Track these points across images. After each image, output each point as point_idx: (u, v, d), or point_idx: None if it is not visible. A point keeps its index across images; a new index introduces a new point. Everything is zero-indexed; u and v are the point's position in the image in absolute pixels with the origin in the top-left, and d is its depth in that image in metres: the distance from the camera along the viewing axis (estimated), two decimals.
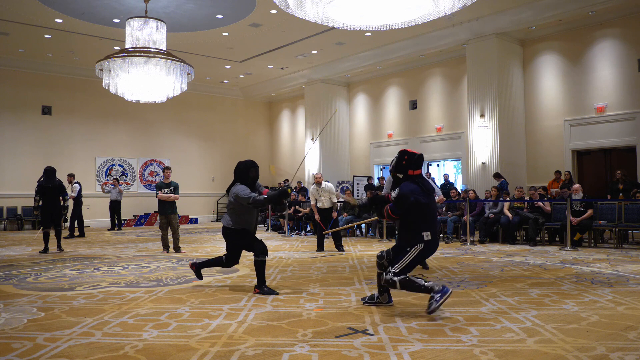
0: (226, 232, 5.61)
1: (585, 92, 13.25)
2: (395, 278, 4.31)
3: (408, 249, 4.43)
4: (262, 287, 5.31)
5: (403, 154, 4.59)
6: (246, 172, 5.56)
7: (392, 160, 4.68)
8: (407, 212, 4.44)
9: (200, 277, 5.90)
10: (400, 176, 4.57)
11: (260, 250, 5.39)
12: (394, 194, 4.58)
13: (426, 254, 4.50)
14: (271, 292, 5.26)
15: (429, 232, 4.43)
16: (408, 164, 4.53)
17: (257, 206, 5.42)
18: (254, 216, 5.64)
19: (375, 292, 4.79)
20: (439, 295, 4.18)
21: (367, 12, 8.20)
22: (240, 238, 5.55)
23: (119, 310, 4.54)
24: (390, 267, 4.41)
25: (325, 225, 9.58)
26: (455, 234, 11.36)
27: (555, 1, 12.40)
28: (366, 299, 4.76)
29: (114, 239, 12.61)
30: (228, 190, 5.67)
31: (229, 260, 5.71)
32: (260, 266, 5.36)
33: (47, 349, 3.41)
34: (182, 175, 19.16)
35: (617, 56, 12.75)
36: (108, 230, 15.76)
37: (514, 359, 3.14)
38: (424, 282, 4.29)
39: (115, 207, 15.55)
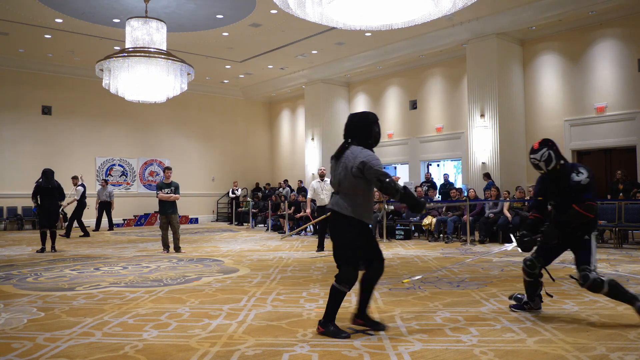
0: (340, 225, 3.77)
1: (585, 92, 13.24)
2: (604, 278, 3.84)
3: (587, 238, 3.97)
4: (327, 325, 3.69)
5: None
6: (369, 128, 3.84)
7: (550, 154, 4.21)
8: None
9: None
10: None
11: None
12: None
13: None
14: (339, 333, 3.63)
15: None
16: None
17: (389, 191, 3.64)
18: (372, 206, 3.95)
19: (520, 294, 4.45)
20: None
21: (367, 12, 8.20)
22: (359, 236, 3.74)
23: (119, 310, 4.55)
24: (586, 266, 3.90)
25: (324, 221, 9.23)
26: (455, 234, 11.36)
27: (555, 1, 12.39)
28: (513, 306, 4.36)
29: (114, 239, 12.61)
30: (338, 157, 3.83)
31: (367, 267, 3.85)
32: (335, 296, 3.71)
33: (47, 349, 3.42)
34: (182, 175, 19.16)
35: (617, 56, 12.74)
36: (93, 230, 15.51)
37: (514, 359, 3.14)
38: (630, 292, 3.88)
39: (103, 207, 15.39)
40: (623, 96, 12.60)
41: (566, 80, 13.61)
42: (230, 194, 20.00)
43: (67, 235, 13.25)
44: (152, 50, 10.88)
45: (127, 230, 16.42)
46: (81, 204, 13.45)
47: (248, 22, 13.98)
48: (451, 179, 15.93)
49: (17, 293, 5.45)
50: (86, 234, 13.41)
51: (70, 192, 13.37)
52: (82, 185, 13.73)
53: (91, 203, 16.40)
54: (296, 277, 6.34)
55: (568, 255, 8.23)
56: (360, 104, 19.30)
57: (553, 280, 4.43)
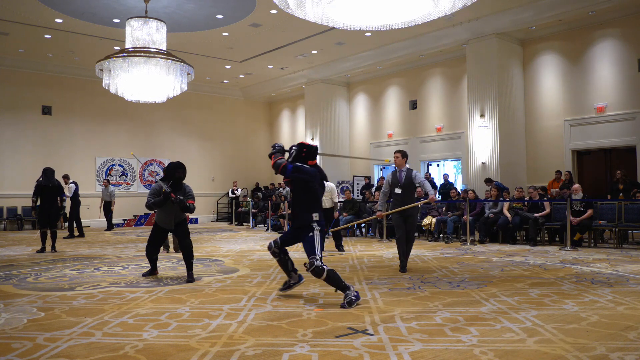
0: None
1: (585, 92, 13.24)
2: (325, 267, 4.65)
3: (311, 235, 4.84)
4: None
5: (302, 146, 5.02)
6: (172, 171, 6.18)
7: (291, 152, 5.03)
8: (299, 190, 4.89)
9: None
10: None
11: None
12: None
13: (323, 232, 4.96)
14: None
15: (317, 214, 4.90)
16: (307, 156, 4.99)
17: (149, 208, 6.23)
18: (168, 215, 6.23)
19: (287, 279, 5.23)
20: (354, 295, 4.61)
21: (367, 12, 8.19)
22: (155, 231, 6.44)
23: (119, 310, 4.55)
24: (313, 257, 4.71)
25: (326, 225, 9.59)
26: (455, 234, 11.35)
27: (555, 1, 12.39)
28: (282, 288, 5.22)
29: (114, 239, 12.60)
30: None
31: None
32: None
33: (47, 349, 3.41)
34: None
35: (617, 56, 12.75)
36: (105, 230, 15.69)
37: (514, 359, 3.14)
38: (344, 282, 4.72)
39: (106, 207, 15.44)
40: (623, 96, 12.60)
41: (566, 80, 13.61)
42: (230, 194, 20.01)
43: (71, 236, 13.12)
44: (152, 50, 10.88)
45: (127, 230, 16.42)
46: (76, 202, 13.21)
47: (248, 22, 13.99)
48: (451, 179, 15.93)
49: (17, 293, 5.45)
50: (81, 234, 13.26)
51: (67, 193, 13.12)
52: (74, 182, 13.60)
53: (91, 202, 16.40)
54: None
55: (568, 256, 8.25)
56: (360, 104, 19.31)
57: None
